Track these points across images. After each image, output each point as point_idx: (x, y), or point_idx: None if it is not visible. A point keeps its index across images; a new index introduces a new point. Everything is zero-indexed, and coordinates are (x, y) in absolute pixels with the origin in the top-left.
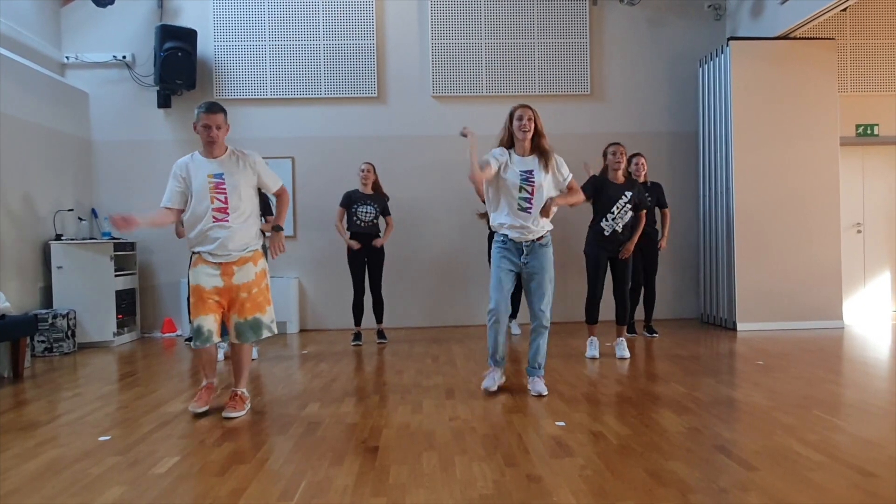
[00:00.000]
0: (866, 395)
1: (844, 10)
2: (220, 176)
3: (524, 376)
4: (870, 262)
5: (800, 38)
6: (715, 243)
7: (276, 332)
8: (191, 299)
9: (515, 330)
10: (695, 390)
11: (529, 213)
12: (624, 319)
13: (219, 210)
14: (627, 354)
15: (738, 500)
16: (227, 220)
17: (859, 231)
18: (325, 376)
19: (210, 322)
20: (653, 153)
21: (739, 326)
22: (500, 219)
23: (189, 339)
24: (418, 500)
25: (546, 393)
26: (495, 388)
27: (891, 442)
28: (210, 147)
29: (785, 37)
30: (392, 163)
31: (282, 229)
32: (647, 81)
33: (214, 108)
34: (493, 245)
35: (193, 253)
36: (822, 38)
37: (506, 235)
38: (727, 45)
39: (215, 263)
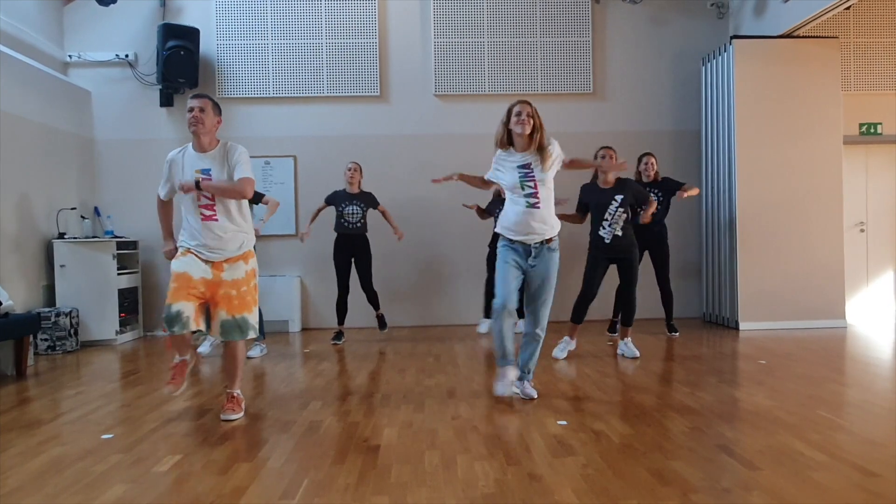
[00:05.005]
0: (869, 394)
1: (848, 8)
2: (207, 172)
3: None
4: (873, 261)
5: (803, 37)
6: (717, 242)
7: (257, 335)
8: (172, 284)
9: (521, 328)
10: (697, 390)
11: (538, 208)
12: (629, 320)
13: (205, 206)
14: (637, 353)
15: (741, 500)
16: (216, 217)
17: (862, 230)
18: (327, 375)
19: (191, 309)
20: (655, 152)
21: (742, 326)
22: (504, 223)
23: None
24: (420, 499)
25: (536, 396)
26: (509, 392)
27: (894, 442)
28: (197, 138)
29: (788, 35)
30: (394, 162)
31: (199, 187)
32: (650, 80)
33: (200, 94)
34: (499, 244)
35: (180, 246)
36: (825, 37)
37: (511, 239)
38: (730, 44)
39: (206, 260)
